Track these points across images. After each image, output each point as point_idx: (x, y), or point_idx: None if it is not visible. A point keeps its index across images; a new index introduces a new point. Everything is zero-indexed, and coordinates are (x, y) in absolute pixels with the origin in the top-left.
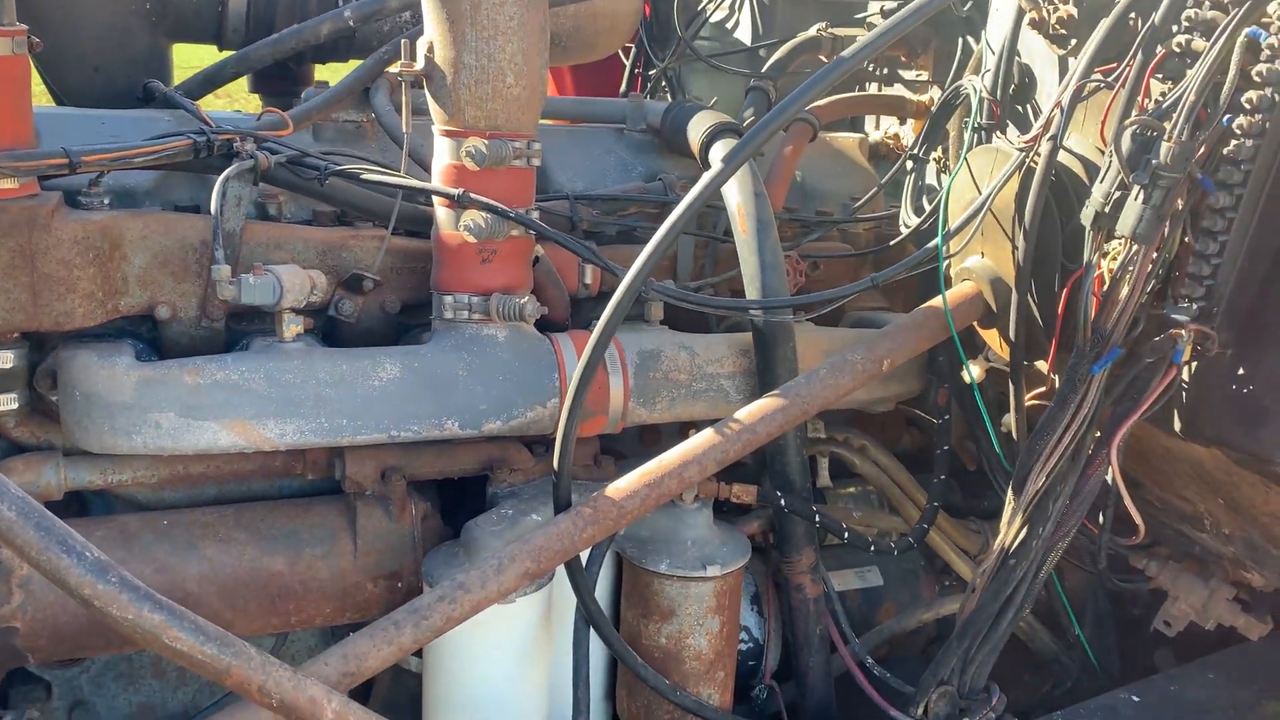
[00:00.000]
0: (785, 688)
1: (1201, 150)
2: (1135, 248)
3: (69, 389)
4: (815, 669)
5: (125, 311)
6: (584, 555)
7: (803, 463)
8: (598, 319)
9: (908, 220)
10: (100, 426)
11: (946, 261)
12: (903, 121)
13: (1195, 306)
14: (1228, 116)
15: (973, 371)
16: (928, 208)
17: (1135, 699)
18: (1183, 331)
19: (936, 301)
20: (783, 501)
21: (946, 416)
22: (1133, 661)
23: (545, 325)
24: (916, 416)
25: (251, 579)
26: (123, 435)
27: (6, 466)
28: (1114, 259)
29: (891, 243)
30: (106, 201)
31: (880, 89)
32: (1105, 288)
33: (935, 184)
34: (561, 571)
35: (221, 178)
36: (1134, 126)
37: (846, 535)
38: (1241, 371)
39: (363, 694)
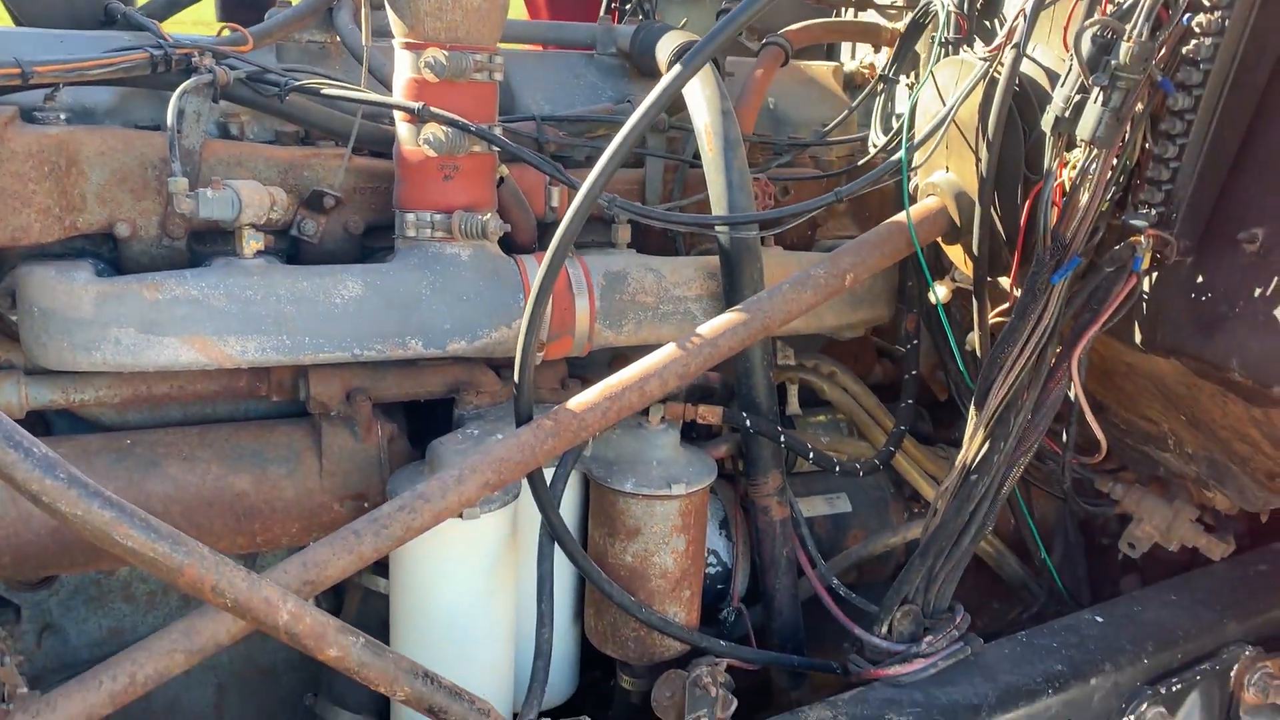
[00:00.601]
0: (753, 611)
1: (1161, 51)
2: (1095, 152)
3: (27, 305)
4: (782, 591)
5: (84, 229)
6: (550, 474)
7: (769, 385)
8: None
9: (876, 140)
10: (59, 343)
11: (912, 177)
12: (877, 50)
13: (1154, 212)
14: (1187, 15)
15: (939, 292)
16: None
17: (1099, 619)
18: (1141, 238)
19: (901, 217)
20: (748, 422)
21: (915, 342)
22: (1101, 589)
23: (510, 249)
24: (888, 348)
25: (216, 498)
26: (82, 351)
27: None
28: (1074, 166)
29: (860, 162)
30: (64, 118)
31: (855, 15)
32: (1065, 195)
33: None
34: (528, 492)
35: (178, 90)
36: (1094, 28)
37: (812, 455)
38: (1200, 279)
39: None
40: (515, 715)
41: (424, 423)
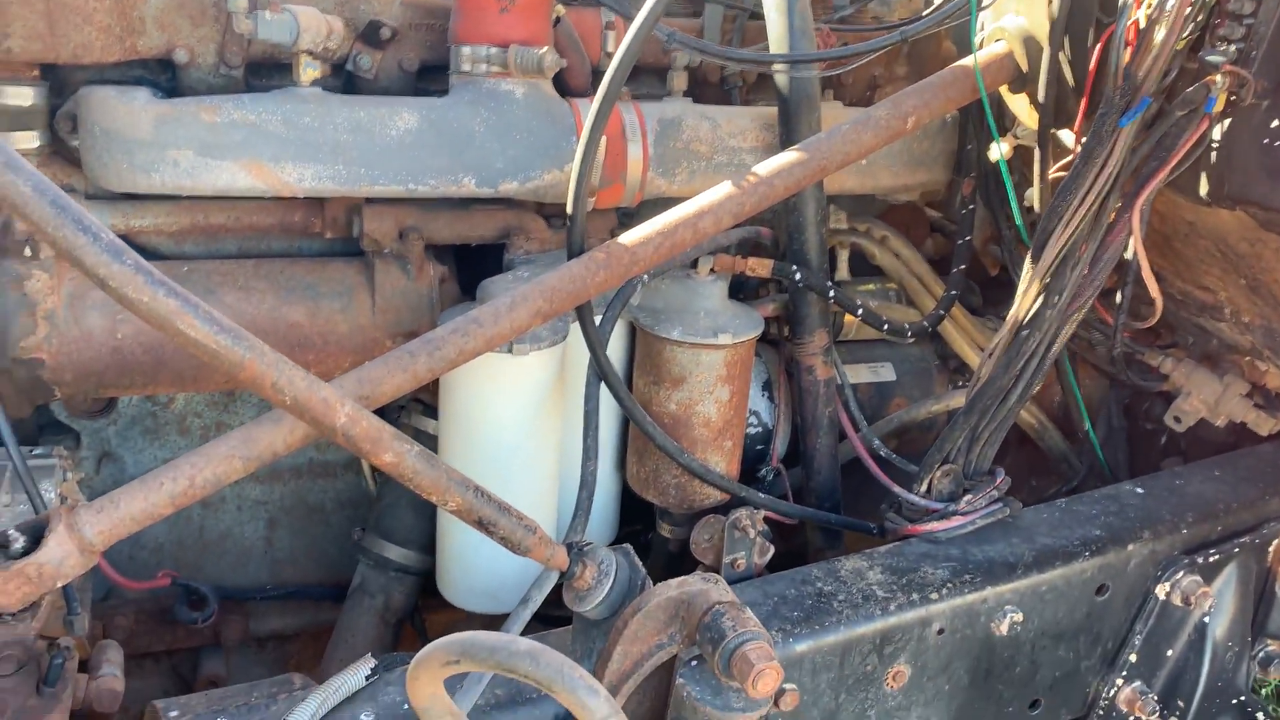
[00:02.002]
0: (792, 474)
1: None
2: None
3: (89, 126)
4: (822, 451)
5: (143, 53)
6: (598, 319)
7: (821, 243)
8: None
9: None
10: (119, 163)
11: (980, 19)
12: None
13: (1233, 48)
14: None
15: (1001, 148)
16: None
17: (1139, 490)
18: (1217, 78)
19: (966, 61)
20: (798, 275)
21: (971, 207)
22: (1141, 473)
23: (564, 92)
24: (940, 222)
25: (271, 328)
26: (141, 172)
27: None
28: (1151, 4)
29: (925, 12)
30: None
31: None
32: (1140, 34)
33: None
34: (575, 332)
35: None
36: None
37: (860, 312)
38: (1275, 124)
39: None
40: None
41: (472, 272)
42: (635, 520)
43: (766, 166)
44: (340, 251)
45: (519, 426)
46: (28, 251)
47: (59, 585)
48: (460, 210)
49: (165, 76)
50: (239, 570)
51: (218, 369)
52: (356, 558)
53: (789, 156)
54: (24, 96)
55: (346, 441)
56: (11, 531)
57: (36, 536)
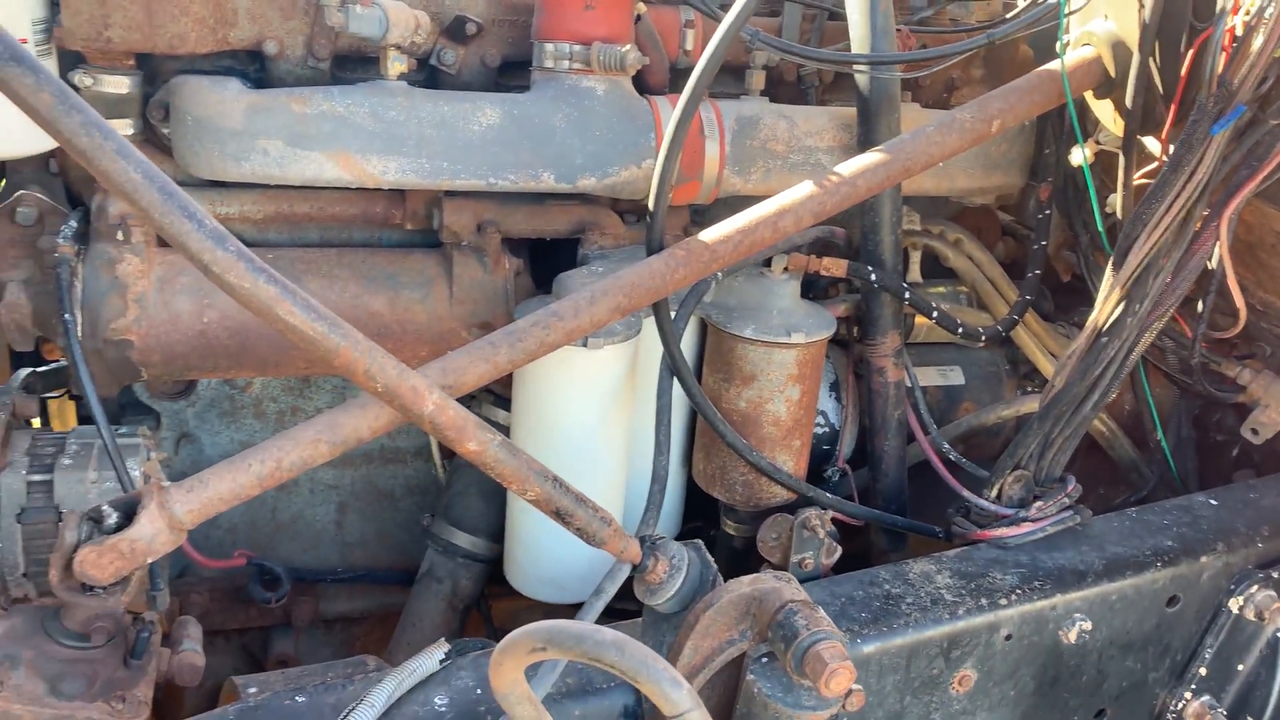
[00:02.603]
0: (858, 474)
1: None
2: None
3: (181, 114)
4: (890, 453)
5: (234, 44)
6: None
7: (896, 244)
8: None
9: None
10: (211, 152)
11: (1067, 22)
12: None
13: None
14: None
15: (1084, 152)
16: None
17: (1212, 502)
18: None
19: (1053, 65)
20: (873, 276)
21: (1047, 212)
22: (1211, 483)
23: (642, 90)
24: (1012, 226)
25: (353, 315)
26: (232, 161)
27: None
28: (1249, 11)
29: (1009, 15)
30: None
31: None
32: (1236, 40)
33: None
34: (647, 328)
35: None
36: None
37: (935, 315)
38: None
39: None
40: None
41: (545, 265)
42: (696, 516)
43: (849, 167)
44: (418, 243)
45: (591, 419)
46: (120, 235)
47: (149, 561)
48: (536, 205)
49: (254, 67)
50: (310, 552)
51: (312, 354)
52: (424, 543)
53: (872, 157)
54: (120, 85)
55: (433, 428)
56: (105, 507)
57: (129, 513)
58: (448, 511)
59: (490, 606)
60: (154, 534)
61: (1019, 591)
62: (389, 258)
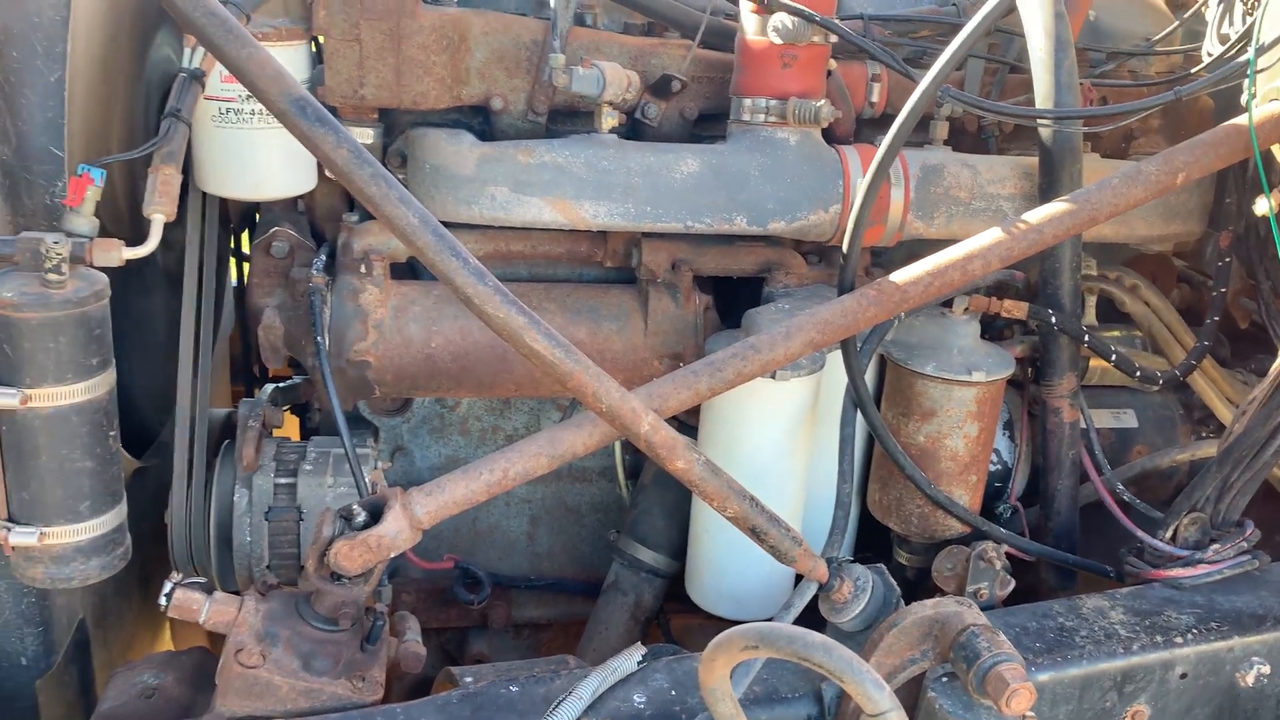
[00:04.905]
0: (1029, 512)
1: None
2: None
3: (419, 162)
4: (1063, 492)
5: (465, 100)
6: None
7: (1076, 288)
8: (882, 138)
9: (1211, 50)
10: (445, 196)
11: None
12: None
13: None
14: None
15: (1270, 202)
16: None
17: None
18: None
19: (1240, 120)
20: (1053, 319)
21: (1227, 260)
22: None
23: (830, 139)
24: (1187, 272)
25: None
26: (464, 205)
27: (362, 228)
28: None
29: (1193, 69)
30: (455, 1)
31: None
32: None
33: (1242, 23)
34: (832, 360)
35: None
36: None
37: (1114, 358)
38: None
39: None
40: None
41: (727, 301)
42: (864, 548)
43: (1036, 215)
44: (614, 279)
45: (775, 447)
46: (363, 268)
47: (391, 556)
48: (726, 245)
49: (478, 120)
50: (504, 560)
51: (549, 376)
52: (607, 557)
53: (1058, 206)
54: (366, 135)
55: (647, 447)
56: (355, 506)
57: (375, 512)
58: (633, 528)
59: (669, 620)
60: (397, 532)
61: (1195, 631)
62: (590, 292)
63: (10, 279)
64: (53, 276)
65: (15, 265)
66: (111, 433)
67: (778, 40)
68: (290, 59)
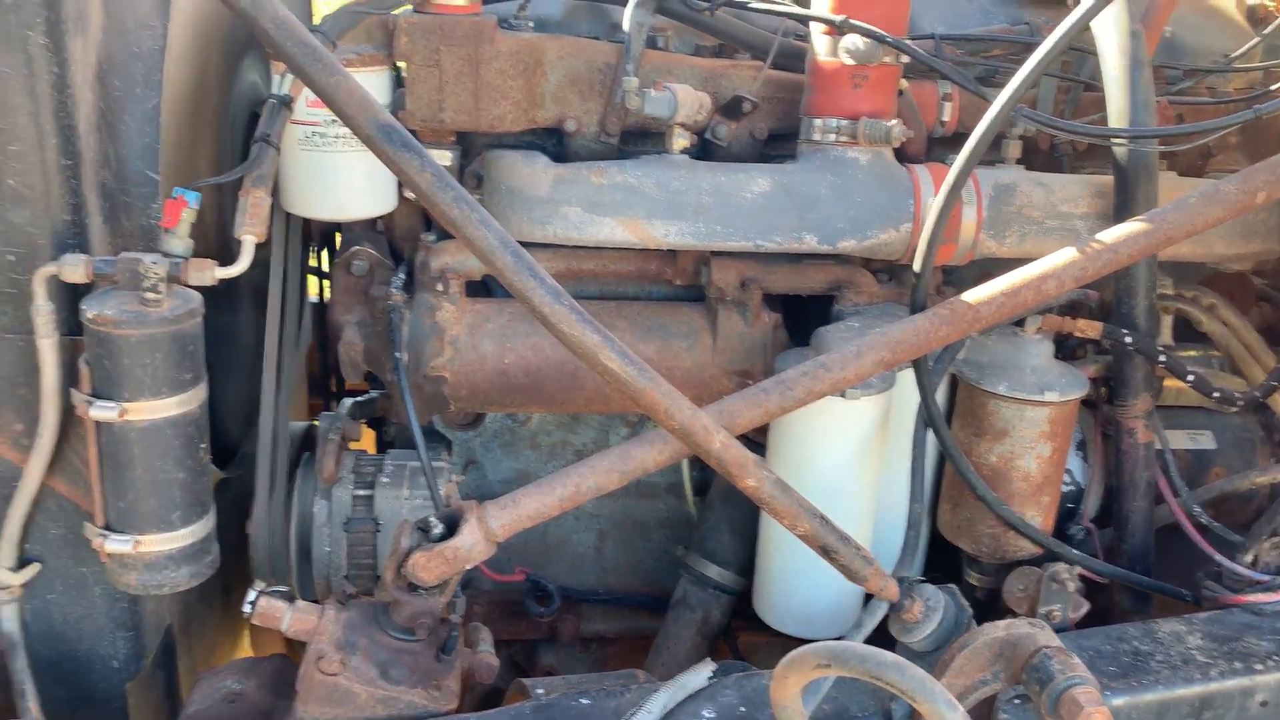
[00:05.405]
0: (1102, 534)
1: None
2: None
3: (495, 183)
4: (1138, 514)
5: (539, 123)
6: None
7: (1151, 307)
8: (953, 157)
9: None
10: (520, 217)
11: None
12: None
13: None
14: None
15: None
16: None
17: None
18: None
19: None
20: (1128, 339)
21: None
22: None
23: (901, 159)
24: (1268, 291)
25: None
26: (538, 225)
27: (439, 247)
28: None
29: (1273, 86)
30: (531, 25)
31: None
32: None
33: None
34: (902, 380)
35: (633, 1)
36: None
37: (1191, 379)
38: None
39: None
40: None
41: (795, 319)
42: (934, 567)
43: (1112, 234)
44: (682, 296)
45: (844, 466)
46: (440, 287)
47: (467, 568)
48: (795, 263)
49: (551, 142)
50: (572, 574)
51: (623, 394)
52: (673, 572)
53: (1135, 225)
54: (445, 158)
55: (718, 464)
56: (432, 518)
57: (452, 525)
58: (701, 545)
59: (736, 637)
60: (473, 544)
61: (1276, 658)
62: (659, 310)
63: (111, 297)
64: (151, 295)
65: (115, 284)
66: (202, 445)
67: (849, 61)
68: (373, 84)
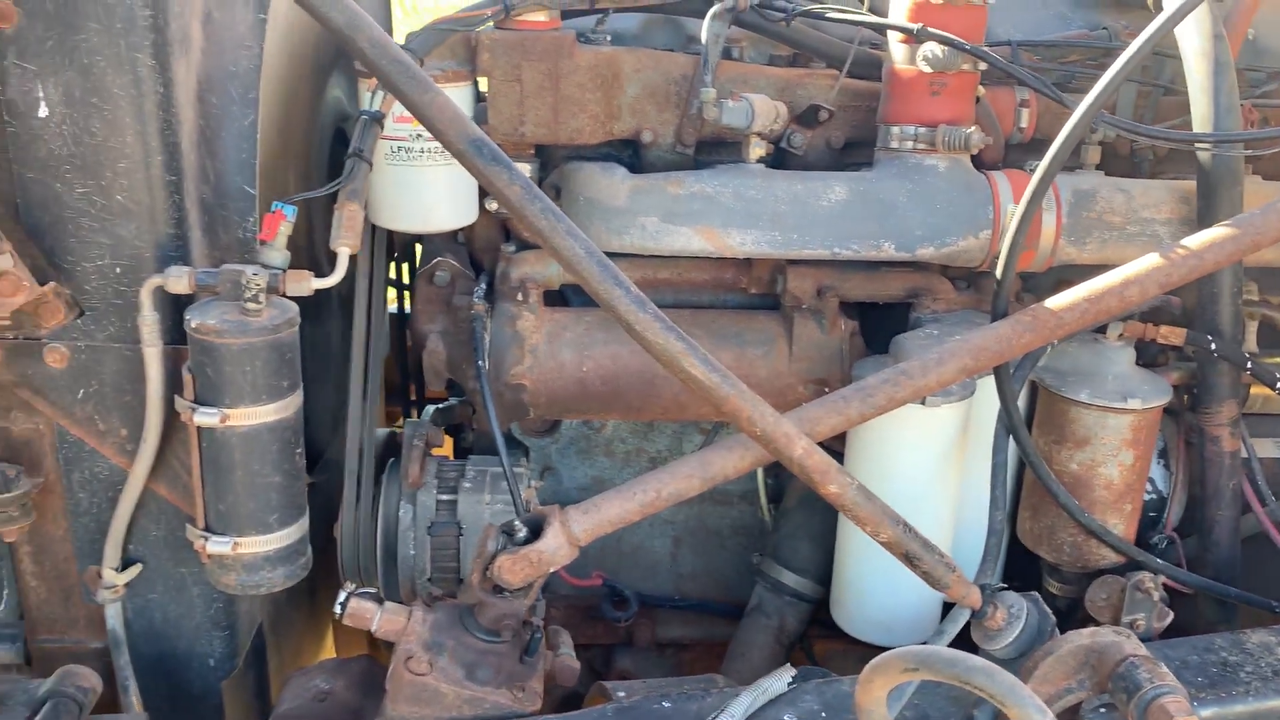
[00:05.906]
0: (1186, 543)
1: None
2: None
3: (573, 194)
4: (1223, 523)
5: (616, 134)
6: None
7: (1236, 313)
8: (1035, 164)
9: None
10: (598, 226)
11: None
12: None
13: None
14: None
15: None
16: None
17: None
18: None
19: None
20: (1213, 345)
21: None
22: None
23: (978, 166)
24: None
25: None
26: (615, 235)
27: (518, 258)
28: None
29: None
30: (608, 39)
31: None
32: None
33: None
34: (982, 387)
35: (710, 13)
36: None
37: (1278, 386)
38: None
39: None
40: None
41: (872, 326)
42: (1013, 576)
43: (1196, 240)
44: (758, 305)
45: (924, 474)
46: (520, 296)
47: (550, 571)
48: (872, 271)
49: (627, 153)
50: (648, 580)
51: (706, 401)
52: (748, 579)
53: (1220, 231)
54: (525, 170)
55: (800, 470)
56: (517, 522)
57: (536, 529)
58: (777, 552)
59: (812, 644)
60: (556, 548)
61: None
62: (735, 318)
63: (213, 308)
64: (251, 305)
65: (217, 295)
66: (298, 450)
67: (927, 69)
68: (456, 99)
